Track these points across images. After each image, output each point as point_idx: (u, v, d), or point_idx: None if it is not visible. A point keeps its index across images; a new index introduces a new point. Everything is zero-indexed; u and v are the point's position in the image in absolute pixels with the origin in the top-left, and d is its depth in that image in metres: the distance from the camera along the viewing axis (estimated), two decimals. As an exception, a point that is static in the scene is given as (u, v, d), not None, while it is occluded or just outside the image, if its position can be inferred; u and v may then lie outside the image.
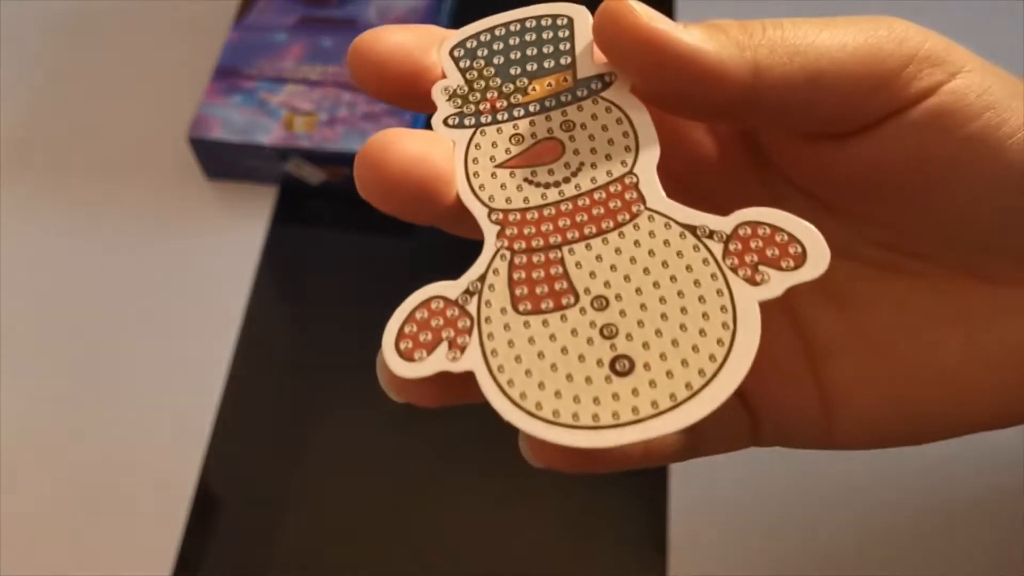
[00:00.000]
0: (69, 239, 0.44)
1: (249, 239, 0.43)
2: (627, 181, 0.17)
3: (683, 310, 0.15)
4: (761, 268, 0.15)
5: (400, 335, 0.16)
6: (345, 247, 0.44)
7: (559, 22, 0.18)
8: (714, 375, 0.15)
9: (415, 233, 0.43)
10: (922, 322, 0.19)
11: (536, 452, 0.17)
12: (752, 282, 0.15)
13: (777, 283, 0.15)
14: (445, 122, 0.18)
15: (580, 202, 0.17)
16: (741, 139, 0.20)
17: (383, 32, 0.17)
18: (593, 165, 0.17)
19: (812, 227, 0.15)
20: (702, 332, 0.15)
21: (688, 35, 0.16)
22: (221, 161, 0.44)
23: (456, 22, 0.49)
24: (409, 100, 0.18)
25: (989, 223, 0.18)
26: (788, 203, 0.20)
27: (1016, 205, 0.17)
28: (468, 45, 0.18)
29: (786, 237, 0.15)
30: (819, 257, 0.15)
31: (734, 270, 0.15)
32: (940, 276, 0.19)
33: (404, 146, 0.16)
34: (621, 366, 0.15)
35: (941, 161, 0.17)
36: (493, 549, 0.36)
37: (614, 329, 0.16)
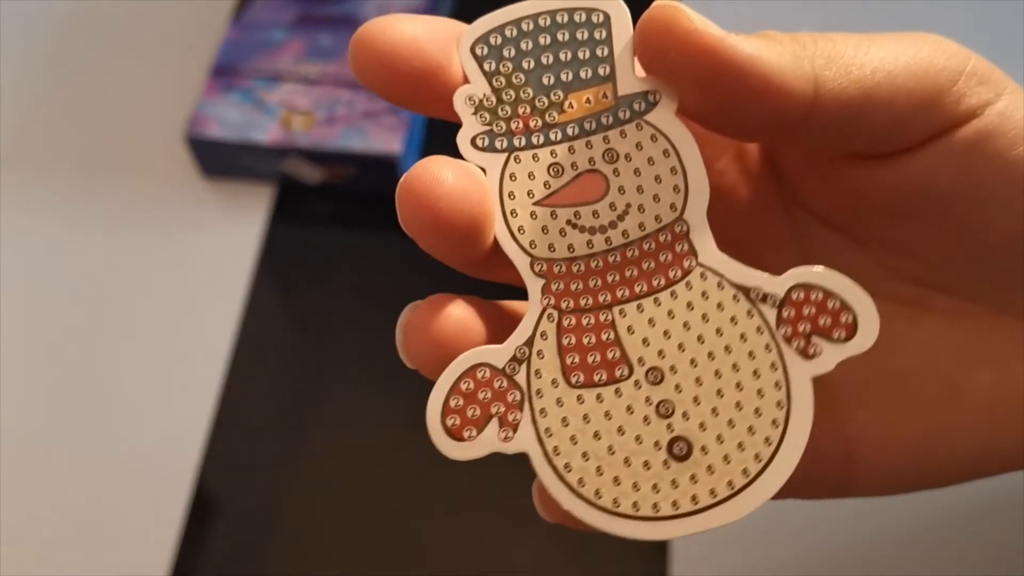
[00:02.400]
0: (65, 237, 0.44)
1: (246, 238, 0.43)
2: (677, 230, 0.15)
3: (738, 386, 0.15)
4: (814, 339, 0.15)
5: (446, 409, 0.15)
6: (343, 246, 0.43)
7: (594, 18, 0.16)
8: (770, 460, 0.14)
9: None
10: (951, 362, 0.18)
11: (549, 509, 0.16)
12: (805, 355, 0.15)
13: (829, 357, 0.15)
14: (473, 143, 0.16)
15: (629, 253, 0.15)
16: (767, 169, 0.19)
17: (392, 21, 0.15)
18: (640, 208, 0.15)
19: (865, 294, 0.15)
20: (757, 412, 0.15)
21: (747, 44, 0.15)
22: (218, 160, 0.44)
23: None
24: (420, 102, 0.16)
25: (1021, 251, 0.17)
26: (813, 237, 0.19)
27: None
28: (492, 41, 0.16)
29: (838, 304, 0.15)
30: (870, 328, 0.15)
31: (787, 340, 0.15)
32: (969, 312, 0.18)
33: (453, 178, 0.15)
34: (678, 449, 0.15)
35: (985, 183, 0.16)
36: (494, 550, 0.36)
37: (670, 407, 0.15)
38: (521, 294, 0.16)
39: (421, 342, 0.16)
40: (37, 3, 0.51)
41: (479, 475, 0.37)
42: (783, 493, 0.19)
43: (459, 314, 0.16)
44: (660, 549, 0.35)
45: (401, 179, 0.15)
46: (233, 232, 0.43)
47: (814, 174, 0.18)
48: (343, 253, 0.43)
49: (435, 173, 0.15)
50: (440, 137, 0.44)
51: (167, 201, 0.45)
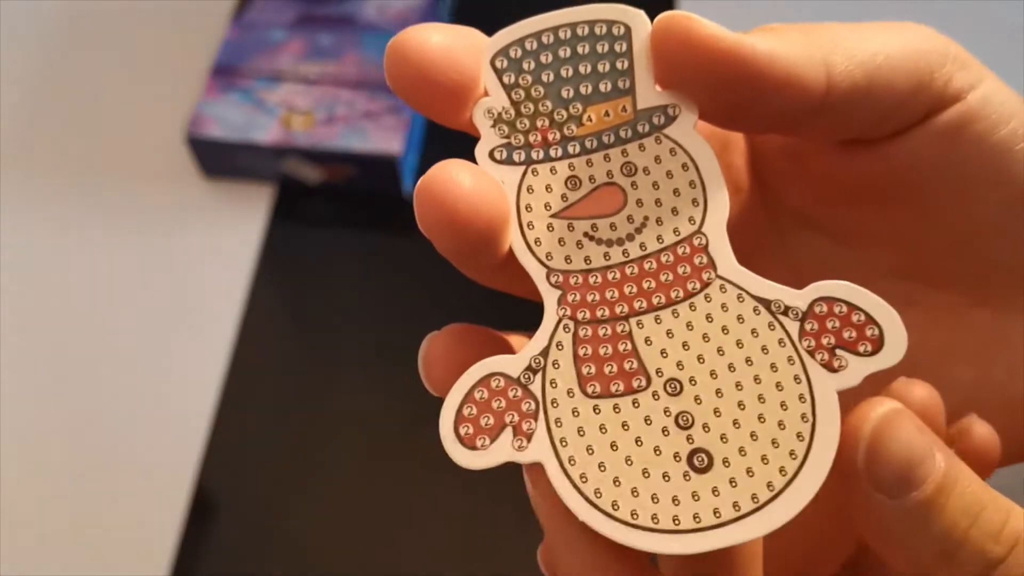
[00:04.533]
0: (66, 237, 0.44)
1: (246, 238, 0.43)
2: (696, 243, 0.15)
3: (760, 398, 0.14)
4: (838, 352, 0.14)
5: (459, 418, 0.15)
6: (343, 246, 0.43)
7: (615, 31, 0.16)
8: (796, 473, 0.14)
9: (414, 233, 0.43)
10: (936, 357, 0.19)
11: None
12: (830, 368, 0.14)
13: (855, 370, 0.14)
14: (491, 155, 0.16)
15: (646, 265, 0.15)
16: (753, 179, 0.20)
17: (428, 31, 0.15)
18: (659, 221, 0.15)
19: (890, 307, 0.14)
20: (781, 424, 0.14)
21: (762, 43, 0.15)
22: (218, 160, 0.44)
23: (456, 21, 0.49)
24: (451, 116, 0.16)
25: (1004, 233, 0.17)
26: (797, 240, 0.20)
27: None
28: (512, 54, 0.16)
29: (863, 317, 0.14)
30: (897, 341, 0.14)
31: (811, 353, 0.14)
32: (950, 306, 0.19)
33: (471, 180, 0.15)
34: (699, 461, 0.14)
35: (964, 167, 0.17)
36: (494, 548, 0.36)
37: (690, 418, 0.15)
38: (528, 307, 0.16)
39: (441, 371, 0.16)
40: (37, 4, 0.51)
41: (480, 476, 0.37)
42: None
43: (474, 342, 0.16)
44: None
45: (419, 180, 0.15)
46: (233, 232, 0.43)
47: (799, 175, 0.19)
48: (343, 253, 0.43)
49: (453, 175, 0.15)
50: (440, 138, 0.44)
51: (167, 201, 0.45)
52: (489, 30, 0.17)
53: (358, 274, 0.43)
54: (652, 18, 0.15)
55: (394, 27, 0.46)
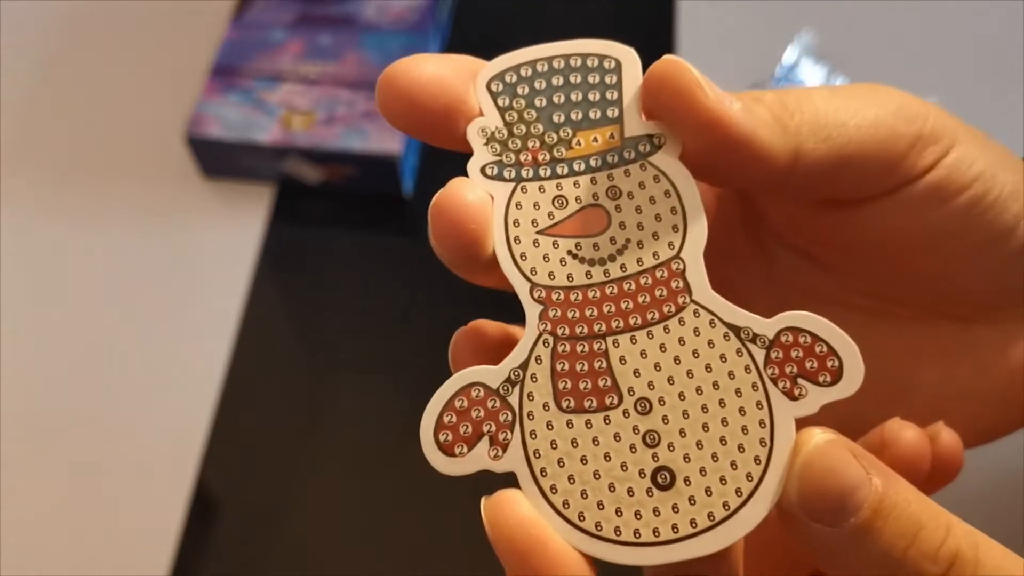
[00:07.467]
0: (66, 237, 0.44)
1: (247, 238, 0.43)
2: (674, 267, 0.16)
3: (724, 421, 0.15)
4: (800, 381, 0.15)
5: (439, 425, 0.16)
6: (343, 246, 0.43)
7: (606, 64, 0.17)
8: (750, 495, 0.15)
9: (413, 233, 0.43)
10: (901, 361, 0.20)
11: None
12: (791, 396, 0.15)
13: (813, 399, 0.15)
14: (483, 171, 0.16)
15: (626, 286, 0.16)
16: (736, 195, 0.21)
17: (417, 61, 0.16)
18: (640, 244, 0.16)
19: (851, 341, 0.15)
20: (740, 448, 0.15)
21: (745, 115, 0.16)
22: (218, 160, 0.44)
23: (456, 21, 0.49)
24: (443, 137, 0.17)
25: (966, 272, 0.19)
26: (776, 257, 0.21)
27: (991, 259, 0.18)
28: (507, 79, 0.17)
29: (825, 349, 0.15)
30: (855, 373, 0.15)
31: (774, 380, 0.15)
32: (915, 317, 0.20)
33: (472, 196, 0.16)
34: (662, 478, 0.15)
35: (934, 229, 0.18)
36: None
37: (656, 437, 0.15)
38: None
39: (468, 364, 0.17)
40: (37, 3, 0.51)
41: (482, 476, 0.37)
42: None
43: (496, 335, 0.17)
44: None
45: (435, 199, 0.16)
46: (233, 232, 0.43)
47: (779, 210, 0.20)
48: (343, 253, 0.43)
49: (463, 192, 0.16)
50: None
51: (167, 201, 0.45)
52: (486, 43, 0.17)
53: (358, 274, 0.43)
54: (649, 43, 0.16)
55: (394, 27, 0.46)
